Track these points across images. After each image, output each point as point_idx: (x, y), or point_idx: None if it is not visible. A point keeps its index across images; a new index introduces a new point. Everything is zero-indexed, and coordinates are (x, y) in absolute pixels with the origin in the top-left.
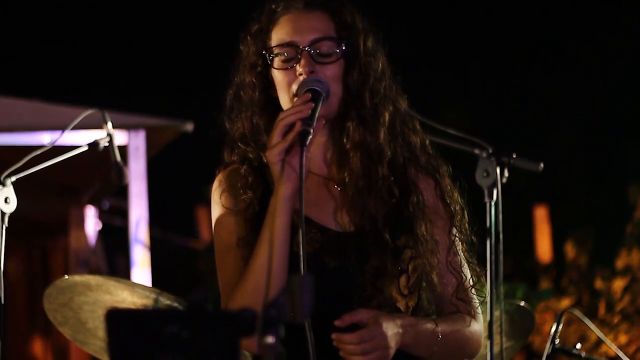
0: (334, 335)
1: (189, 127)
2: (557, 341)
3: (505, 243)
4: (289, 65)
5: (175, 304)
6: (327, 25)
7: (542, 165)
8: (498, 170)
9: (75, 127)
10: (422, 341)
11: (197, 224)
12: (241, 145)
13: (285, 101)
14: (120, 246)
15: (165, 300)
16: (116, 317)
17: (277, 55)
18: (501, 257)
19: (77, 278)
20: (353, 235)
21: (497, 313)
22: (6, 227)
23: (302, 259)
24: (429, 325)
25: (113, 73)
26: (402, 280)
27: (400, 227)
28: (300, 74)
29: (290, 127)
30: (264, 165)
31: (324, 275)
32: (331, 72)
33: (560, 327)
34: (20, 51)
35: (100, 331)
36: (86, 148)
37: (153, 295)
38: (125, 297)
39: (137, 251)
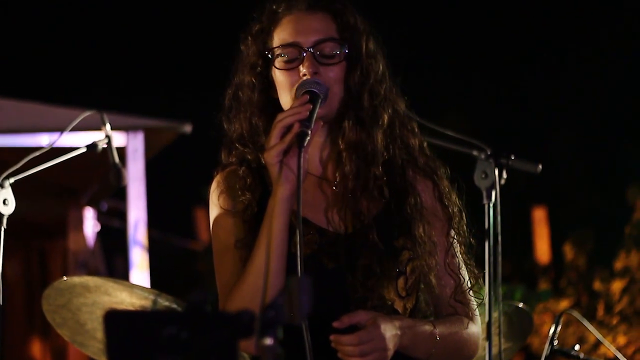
0: (332, 337)
1: (188, 128)
2: (555, 342)
3: (503, 244)
4: (291, 66)
5: (174, 305)
6: (330, 26)
7: (540, 166)
8: (496, 171)
9: (74, 129)
10: (420, 343)
11: (195, 225)
12: (239, 147)
13: (286, 102)
14: (119, 248)
15: (164, 302)
16: (115, 319)
17: (279, 55)
18: (500, 258)
19: (76, 279)
20: (352, 236)
21: (495, 314)
22: (4, 229)
23: (299, 260)
24: (427, 327)
25: (111, 75)
26: (400, 281)
27: (398, 228)
28: (304, 75)
29: (289, 128)
30: (262, 167)
31: (322, 276)
32: (334, 74)
33: (559, 328)
34: (18, 52)
35: (99, 332)
36: (85, 149)
37: (152, 297)
38: (124, 299)
39: (135, 253)
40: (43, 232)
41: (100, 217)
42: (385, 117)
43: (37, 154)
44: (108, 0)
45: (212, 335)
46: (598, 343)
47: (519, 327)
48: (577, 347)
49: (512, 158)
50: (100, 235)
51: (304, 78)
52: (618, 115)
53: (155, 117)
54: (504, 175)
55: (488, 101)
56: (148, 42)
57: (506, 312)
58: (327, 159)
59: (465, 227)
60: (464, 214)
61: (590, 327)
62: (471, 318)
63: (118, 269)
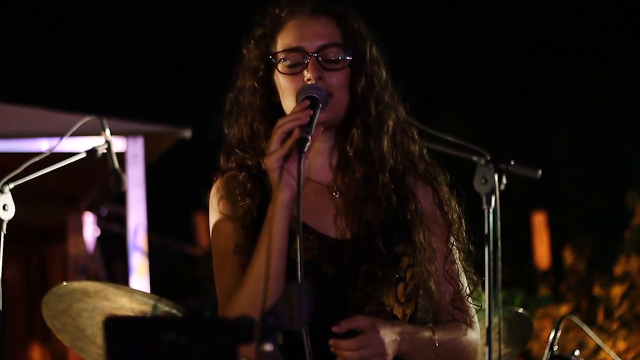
0: (331, 342)
1: (187, 133)
2: (555, 348)
3: (503, 249)
4: (295, 70)
5: (174, 311)
6: (334, 31)
7: (540, 172)
8: (496, 177)
9: (74, 134)
10: (419, 349)
11: (195, 230)
12: (239, 152)
13: (289, 107)
14: (119, 253)
15: (164, 307)
16: (115, 324)
17: (282, 60)
18: (499, 263)
19: (76, 285)
20: (351, 242)
21: (495, 320)
22: (4, 234)
23: (299, 266)
24: (427, 334)
25: (111, 80)
26: (400, 287)
27: (398, 234)
28: (309, 80)
29: (289, 134)
30: (262, 172)
31: (321, 282)
32: (338, 79)
33: (559, 333)
34: (18, 58)
35: (99, 338)
36: (84, 155)
37: (152, 302)
38: (123, 304)
39: (135, 258)
40: (43, 237)
41: (100, 222)
42: (390, 123)
43: (36, 159)
44: (108, 5)
45: (211, 341)
46: (598, 348)
47: (519, 333)
48: (577, 352)
49: (512, 163)
50: (100, 240)
51: (308, 83)
52: (618, 119)
53: (155, 122)
54: (504, 180)
55: (486, 105)
56: (148, 47)
57: (506, 317)
58: (329, 165)
59: (464, 233)
60: (463, 221)
61: (590, 333)
62: (470, 325)
63: (118, 274)
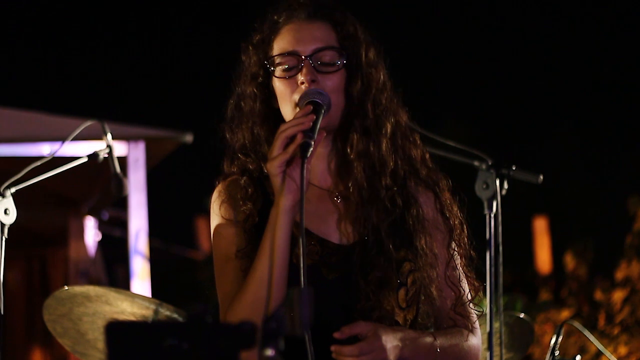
0: (333, 347)
1: (189, 138)
2: (557, 353)
3: (504, 254)
4: (290, 74)
5: (175, 315)
6: (329, 35)
7: (541, 177)
8: (498, 182)
9: (75, 139)
10: (421, 355)
11: (196, 234)
12: (241, 156)
13: (286, 111)
14: (120, 257)
15: (165, 311)
16: (116, 329)
17: (278, 64)
18: (501, 268)
19: (77, 289)
20: (354, 247)
21: (496, 325)
22: (6, 238)
23: (302, 271)
24: (428, 339)
25: (113, 84)
26: (401, 293)
27: (400, 240)
28: (302, 83)
29: (292, 139)
30: (264, 177)
31: (323, 287)
32: (332, 82)
33: (560, 338)
34: (20, 62)
35: (100, 342)
36: (86, 159)
37: (153, 306)
38: (125, 308)
39: (136, 262)
40: (44, 241)
41: (101, 227)
42: (388, 126)
43: (38, 163)
44: (109, 11)
45: (213, 346)
46: (599, 353)
47: (520, 338)
48: (578, 357)
49: (513, 168)
50: (101, 244)
51: (302, 86)
52: (619, 124)
53: (156, 126)
54: (505, 185)
55: (489, 111)
56: (149, 52)
57: (507, 322)
58: (329, 169)
59: (466, 239)
60: (465, 227)
61: (592, 338)
62: (471, 330)
63: (119, 279)
